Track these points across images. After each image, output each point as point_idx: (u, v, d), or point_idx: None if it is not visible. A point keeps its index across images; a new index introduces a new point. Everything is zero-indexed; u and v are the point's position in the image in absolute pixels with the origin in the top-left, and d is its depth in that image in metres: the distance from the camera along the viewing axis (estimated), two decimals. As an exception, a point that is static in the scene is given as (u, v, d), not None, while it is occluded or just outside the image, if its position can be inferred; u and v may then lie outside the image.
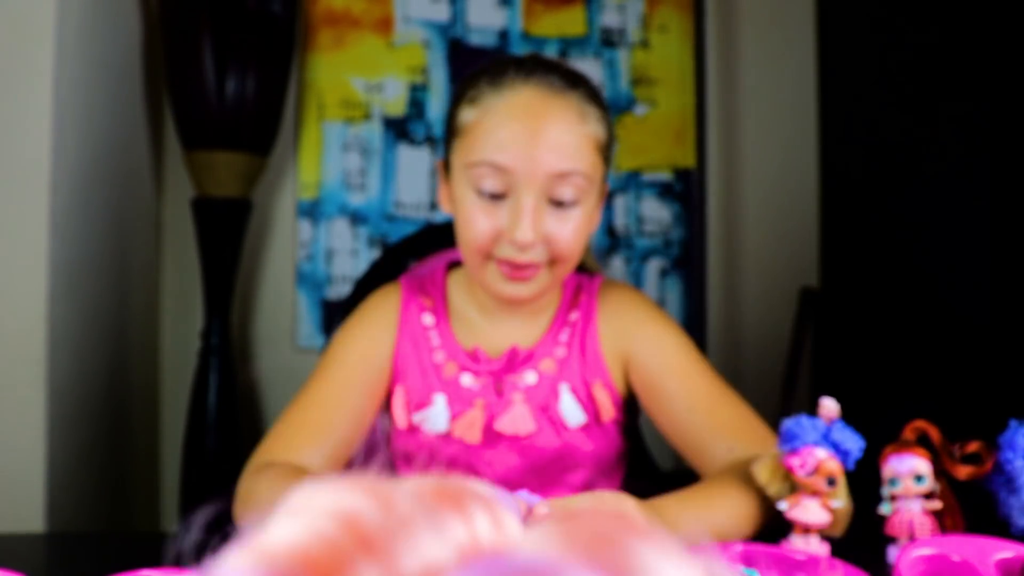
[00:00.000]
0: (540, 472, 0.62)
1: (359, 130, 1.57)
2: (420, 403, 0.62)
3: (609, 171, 0.64)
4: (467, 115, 0.59)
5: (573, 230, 0.58)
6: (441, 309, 0.64)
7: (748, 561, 0.46)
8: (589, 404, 0.62)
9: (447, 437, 0.61)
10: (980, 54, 1.21)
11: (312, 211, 1.55)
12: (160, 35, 1.38)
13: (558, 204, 0.58)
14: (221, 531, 0.22)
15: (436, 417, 0.61)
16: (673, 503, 0.52)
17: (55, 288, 1.04)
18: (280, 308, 1.54)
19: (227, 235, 1.39)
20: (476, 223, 0.58)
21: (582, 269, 0.72)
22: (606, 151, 0.62)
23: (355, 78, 1.57)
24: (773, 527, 0.52)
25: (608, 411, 0.62)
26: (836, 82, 1.54)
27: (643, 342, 0.63)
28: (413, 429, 0.62)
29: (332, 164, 1.57)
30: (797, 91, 1.58)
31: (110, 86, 1.25)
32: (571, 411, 0.61)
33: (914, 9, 1.34)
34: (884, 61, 1.41)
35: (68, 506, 1.08)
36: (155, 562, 0.43)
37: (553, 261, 0.59)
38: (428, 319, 0.64)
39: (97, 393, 1.20)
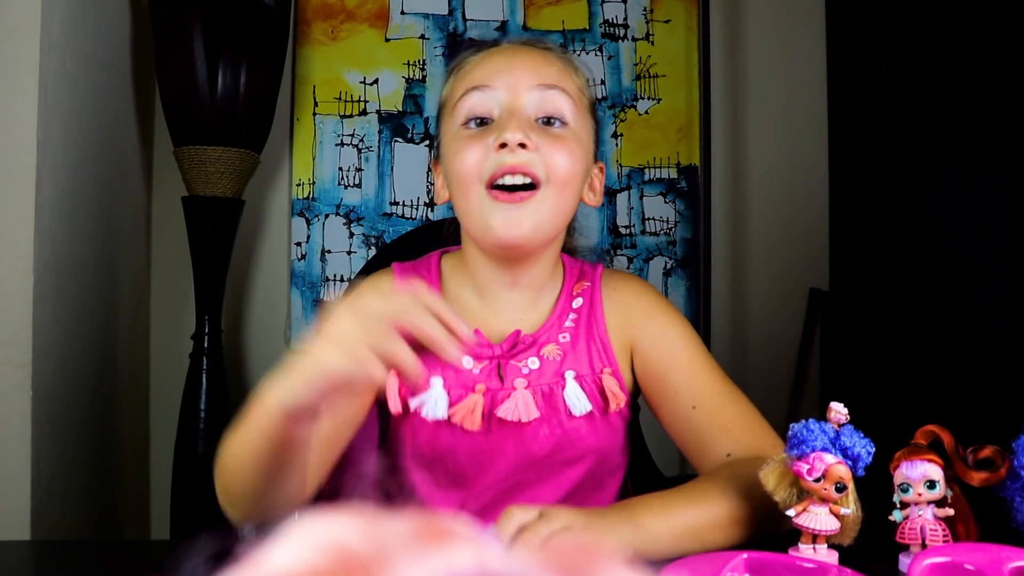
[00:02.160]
0: (538, 464, 0.60)
1: (354, 126, 1.55)
2: (416, 387, 0.59)
3: (599, 134, 0.64)
4: (450, 83, 0.62)
5: (564, 149, 0.57)
6: (436, 291, 0.62)
7: (754, 569, 0.44)
8: (596, 393, 0.61)
9: (446, 424, 0.59)
10: (994, 50, 1.20)
11: (306, 209, 1.53)
12: (150, 28, 1.36)
13: (547, 123, 0.58)
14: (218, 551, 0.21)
15: (434, 402, 0.58)
16: (648, 505, 0.51)
17: (41, 289, 1.02)
18: (273, 309, 1.52)
19: (219, 234, 1.37)
20: (465, 150, 0.57)
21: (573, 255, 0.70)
22: (591, 106, 0.62)
23: (350, 72, 1.55)
24: (780, 535, 0.51)
25: (619, 399, 0.60)
26: (846, 76, 1.52)
27: (649, 332, 0.62)
28: (409, 415, 0.60)
29: (326, 161, 1.55)
30: (805, 85, 1.56)
31: (98, 81, 1.23)
32: (576, 400, 0.59)
33: None
34: (896, 55, 1.39)
35: (54, 513, 1.06)
36: (144, 570, 0.41)
37: (549, 181, 0.57)
38: None
39: (85, 396, 1.18)
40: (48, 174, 1.03)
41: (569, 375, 0.60)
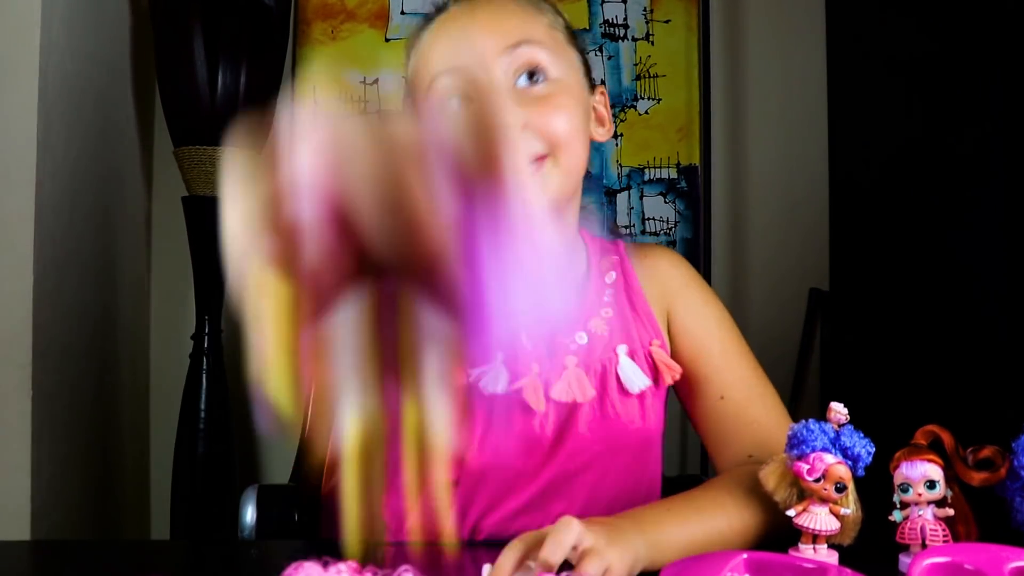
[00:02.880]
0: (588, 449, 0.55)
1: (354, 126, 1.55)
2: (476, 360, 0.53)
3: (587, 60, 0.59)
4: (412, 63, 0.57)
5: (554, 108, 0.53)
6: None
7: (754, 569, 0.44)
8: (648, 368, 0.57)
9: (503, 403, 0.54)
10: (994, 51, 1.20)
11: (306, 209, 1.53)
12: (149, 28, 1.36)
13: (529, 78, 0.53)
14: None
15: (496, 376, 0.54)
16: (658, 518, 0.48)
17: (41, 290, 1.01)
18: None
19: (219, 234, 1.36)
20: None
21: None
22: (567, 38, 0.58)
23: (350, 72, 1.55)
24: (781, 535, 0.50)
25: (674, 371, 0.56)
26: (846, 76, 1.52)
27: (684, 306, 0.58)
28: (468, 387, 0.54)
29: (326, 161, 1.55)
30: (805, 85, 1.56)
31: (98, 81, 1.23)
32: (633, 375, 0.55)
33: None
34: (896, 54, 1.39)
35: (54, 513, 1.06)
36: (145, 571, 0.41)
37: (552, 151, 0.53)
38: None
39: (85, 397, 1.18)
40: (48, 174, 1.03)
41: (622, 349, 0.56)
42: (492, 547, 0.53)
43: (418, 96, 0.56)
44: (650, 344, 0.58)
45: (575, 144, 0.55)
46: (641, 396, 0.56)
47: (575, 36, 0.60)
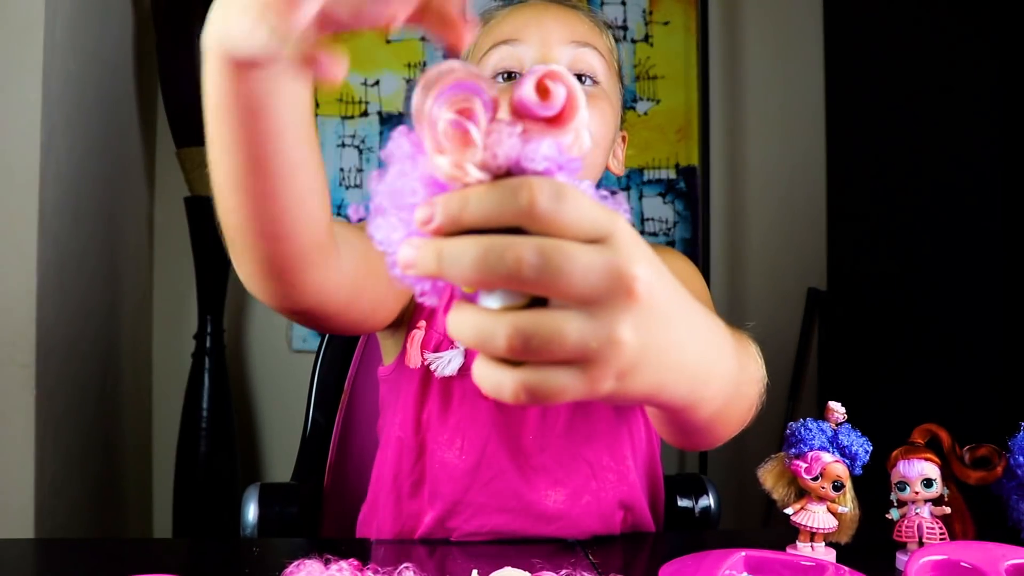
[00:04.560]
0: (550, 430, 0.55)
1: (355, 127, 1.55)
2: (442, 344, 0.55)
3: (624, 101, 0.61)
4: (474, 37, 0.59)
5: (596, 109, 0.54)
6: None
7: (752, 567, 0.45)
8: None
9: (458, 386, 0.55)
10: (992, 52, 1.20)
11: (307, 209, 1.54)
12: (152, 29, 1.36)
13: (580, 81, 0.55)
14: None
15: (447, 360, 0.54)
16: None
17: (44, 290, 1.02)
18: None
19: (221, 235, 1.37)
20: None
21: None
22: (619, 70, 0.59)
23: (351, 73, 1.55)
24: (779, 534, 0.51)
25: None
26: (844, 77, 1.52)
27: None
28: (423, 373, 0.55)
29: (328, 162, 1.55)
30: (804, 86, 1.56)
31: (101, 82, 1.23)
32: None
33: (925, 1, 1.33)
34: (894, 56, 1.40)
35: (57, 511, 1.06)
36: (147, 569, 0.41)
37: None
38: None
39: (88, 396, 1.19)
40: (51, 175, 1.04)
41: None
42: (480, 546, 0.54)
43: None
44: None
45: (599, 149, 0.56)
46: None
47: (621, 71, 0.62)
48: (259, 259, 0.40)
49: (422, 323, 0.56)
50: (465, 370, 0.55)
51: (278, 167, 0.35)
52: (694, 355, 0.28)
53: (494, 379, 0.23)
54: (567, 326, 0.22)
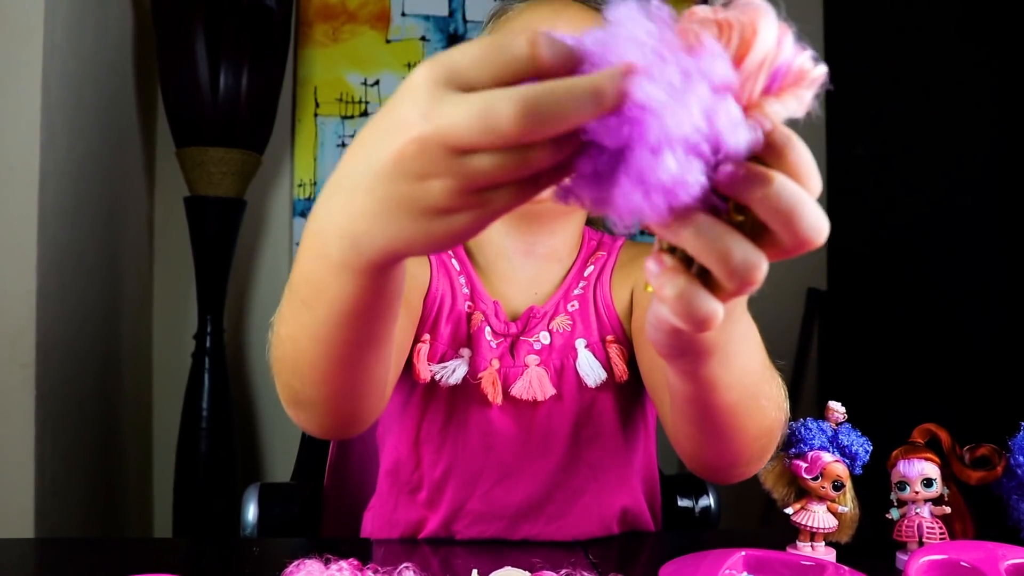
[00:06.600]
0: (557, 444, 0.56)
1: (355, 127, 1.55)
2: (446, 355, 0.56)
3: None
4: (489, 30, 0.58)
5: None
6: (463, 256, 0.60)
7: (752, 567, 0.45)
8: (607, 360, 0.56)
9: (462, 397, 0.56)
10: (992, 51, 1.20)
11: (308, 210, 1.54)
12: (152, 29, 1.37)
13: None
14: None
15: (453, 370, 0.55)
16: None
17: (44, 289, 1.02)
18: (275, 308, 1.52)
19: (221, 234, 1.37)
20: None
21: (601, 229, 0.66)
22: None
23: (351, 73, 1.56)
24: (779, 534, 0.51)
25: (620, 370, 0.56)
26: (843, 77, 1.52)
27: (639, 279, 0.57)
28: (429, 386, 0.56)
29: (328, 161, 1.55)
30: (800, 87, 1.56)
31: (101, 82, 1.24)
32: (589, 369, 0.56)
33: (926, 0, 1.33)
34: (893, 56, 1.40)
35: (58, 511, 1.06)
36: (147, 569, 0.41)
37: None
38: (455, 263, 0.59)
39: (88, 396, 1.19)
40: (51, 175, 1.04)
41: (580, 344, 0.56)
42: (481, 546, 0.54)
43: None
44: (605, 338, 0.57)
45: None
46: (600, 389, 0.56)
47: None
48: (329, 412, 0.42)
49: (426, 336, 0.57)
50: (468, 379, 0.56)
51: (381, 345, 0.37)
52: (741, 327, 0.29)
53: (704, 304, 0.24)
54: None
